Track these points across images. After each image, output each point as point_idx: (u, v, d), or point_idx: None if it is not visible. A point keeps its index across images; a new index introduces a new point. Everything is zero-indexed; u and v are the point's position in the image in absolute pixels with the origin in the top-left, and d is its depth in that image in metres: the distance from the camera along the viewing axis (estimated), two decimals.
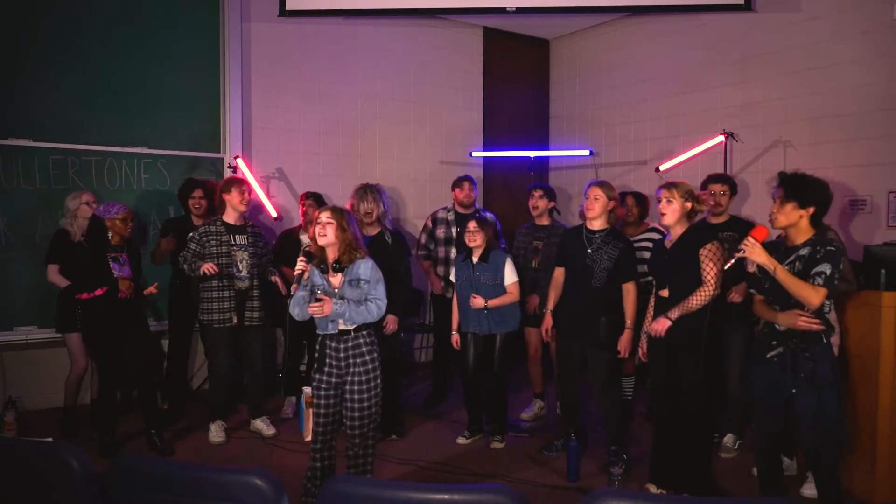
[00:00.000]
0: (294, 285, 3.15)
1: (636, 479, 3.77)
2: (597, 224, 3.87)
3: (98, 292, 4.03)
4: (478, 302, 4.18)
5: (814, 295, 2.78)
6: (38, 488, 1.96)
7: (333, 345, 3.18)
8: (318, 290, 3.13)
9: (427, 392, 5.43)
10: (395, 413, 4.55)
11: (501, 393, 4.37)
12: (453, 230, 5.07)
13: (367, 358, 3.18)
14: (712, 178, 4.29)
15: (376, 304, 3.16)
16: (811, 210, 2.87)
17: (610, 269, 3.78)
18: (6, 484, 2.00)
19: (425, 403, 5.25)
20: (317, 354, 3.25)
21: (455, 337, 4.37)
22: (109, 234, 4.15)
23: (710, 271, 3.31)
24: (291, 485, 3.25)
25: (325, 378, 3.20)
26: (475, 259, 4.26)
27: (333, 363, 3.19)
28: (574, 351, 3.93)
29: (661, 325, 3.37)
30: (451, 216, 5.13)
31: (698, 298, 3.31)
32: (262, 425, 4.52)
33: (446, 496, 1.66)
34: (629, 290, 3.79)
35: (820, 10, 5.17)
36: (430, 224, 5.19)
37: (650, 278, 4.20)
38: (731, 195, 4.26)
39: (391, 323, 4.32)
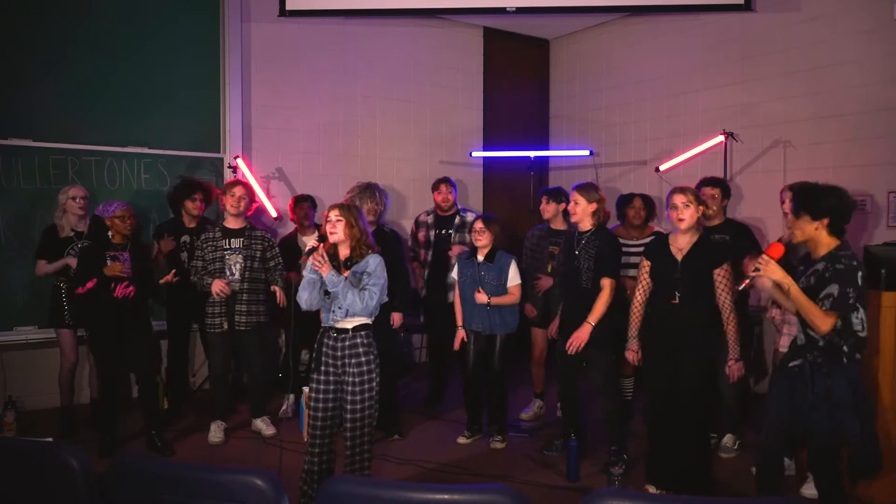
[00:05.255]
0: (303, 258, 3.17)
1: (636, 479, 3.76)
2: (583, 226, 3.89)
3: (89, 285, 4.04)
4: (481, 297, 4.20)
5: (822, 321, 2.70)
6: (38, 488, 1.95)
7: (331, 343, 3.17)
8: (327, 284, 3.11)
9: (426, 392, 5.43)
10: (395, 413, 4.56)
11: (502, 393, 4.37)
12: (431, 233, 5.12)
13: (364, 359, 3.15)
14: (704, 182, 4.31)
15: (370, 293, 3.10)
16: (825, 221, 2.79)
17: (593, 267, 3.79)
18: (6, 484, 2.00)
19: (424, 403, 5.25)
20: (314, 353, 3.24)
21: (461, 333, 4.36)
22: (110, 233, 4.16)
23: (725, 298, 3.38)
24: (291, 485, 3.25)
25: (322, 378, 3.19)
26: (480, 258, 4.27)
27: (330, 362, 3.17)
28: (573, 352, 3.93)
29: (738, 369, 3.46)
30: (430, 219, 5.19)
31: (733, 327, 3.40)
32: (262, 425, 4.52)
33: (446, 496, 1.66)
34: (604, 286, 3.76)
35: (820, 10, 5.17)
36: (414, 228, 5.31)
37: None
38: (723, 198, 4.26)
39: (397, 319, 4.41)
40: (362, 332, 3.17)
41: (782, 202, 4.00)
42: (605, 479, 3.67)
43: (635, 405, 4.85)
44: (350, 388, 3.13)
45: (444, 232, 5.08)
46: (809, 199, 2.82)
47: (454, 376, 5.37)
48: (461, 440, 4.41)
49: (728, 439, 4.20)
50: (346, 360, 3.14)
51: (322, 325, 3.23)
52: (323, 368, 3.19)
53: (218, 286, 4.24)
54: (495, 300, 4.20)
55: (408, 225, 6.59)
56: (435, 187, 5.18)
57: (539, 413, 4.95)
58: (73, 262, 4.41)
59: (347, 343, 3.15)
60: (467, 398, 4.50)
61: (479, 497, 1.68)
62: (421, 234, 5.21)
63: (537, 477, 3.85)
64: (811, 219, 2.80)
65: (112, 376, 4.18)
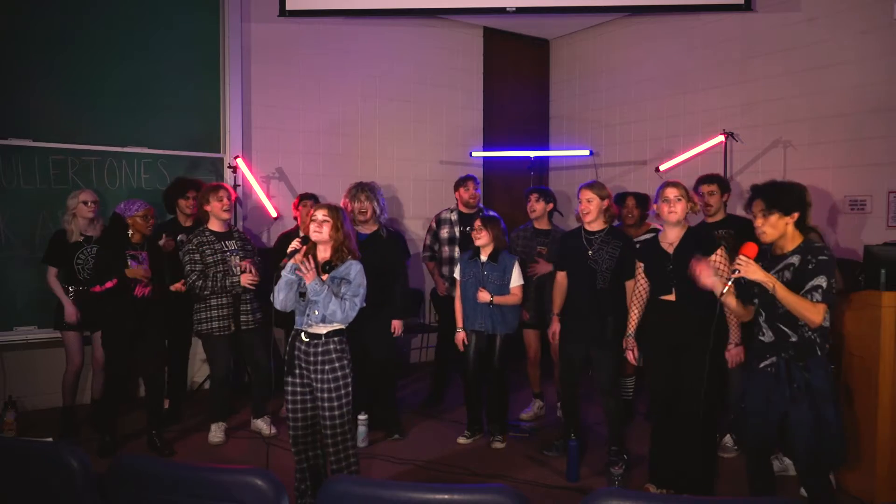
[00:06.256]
0: (284, 259, 3.10)
1: (636, 479, 3.77)
2: (595, 225, 3.87)
3: (108, 284, 4.03)
4: (484, 296, 4.19)
5: (815, 313, 2.70)
6: (38, 488, 1.95)
7: (303, 348, 3.14)
8: (310, 293, 3.09)
9: (426, 392, 5.43)
10: (395, 413, 4.56)
11: (502, 392, 4.37)
12: (457, 230, 5.09)
13: (337, 365, 3.12)
14: (701, 180, 4.37)
15: (351, 303, 3.10)
16: (795, 215, 2.83)
17: (613, 268, 3.77)
18: (6, 484, 2.00)
19: (423, 403, 5.25)
20: (286, 357, 3.22)
21: (461, 334, 4.35)
22: (130, 232, 4.17)
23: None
24: (291, 485, 3.26)
25: (296, 381, 3.17)
26: (483, 258, 4.26)
27: (303, 366, 3.15)
28: (578, 353, 3.93)
29: (740, 354, 3.36)
30: (454, 216, 5.15)
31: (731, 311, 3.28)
32: (263, 425, 4.51)
33: (446, 496, 1.66)
34: (629, 287, 3.77)
35: (820, 10, 5.17)
36: (434, 225, 5.21)
37: None
38: (721, 194, 4.28)
39: (398, 328, 4.42)
40: (335, 339, 3.14)
41: None
42: (605, 479, 3.67)
43: (635, 405, 4.85)
44: (326, 395, 3.11)
45: (468, 229, 5.07)
46: (779, 195, 2.84)
47: (454, 376, 5.37)
48: (461, 440, 4.41)
49: (728, 439, 4.19)
50: (319, 367, 3.12)
51: (294, 326, 3.20)
52: (297, 371, 3.17)
53: (248, 277, 4.22)
54: (498, 299, 4.20)
55: (407, 225, 6.61)
56: (462, 184, 5.13)
57: (539, 413, 4.95)
58: (71, 311, 4.39)
59: (320, 349, 3.12)
60: (468, 398, 4.50)
61: (479, 497, 1.68)
62: (444, 231, 5.12)
63: (537, 477, 3.85)
64: (783, 214, 2.82)
65: (121, 374, 4.19)
